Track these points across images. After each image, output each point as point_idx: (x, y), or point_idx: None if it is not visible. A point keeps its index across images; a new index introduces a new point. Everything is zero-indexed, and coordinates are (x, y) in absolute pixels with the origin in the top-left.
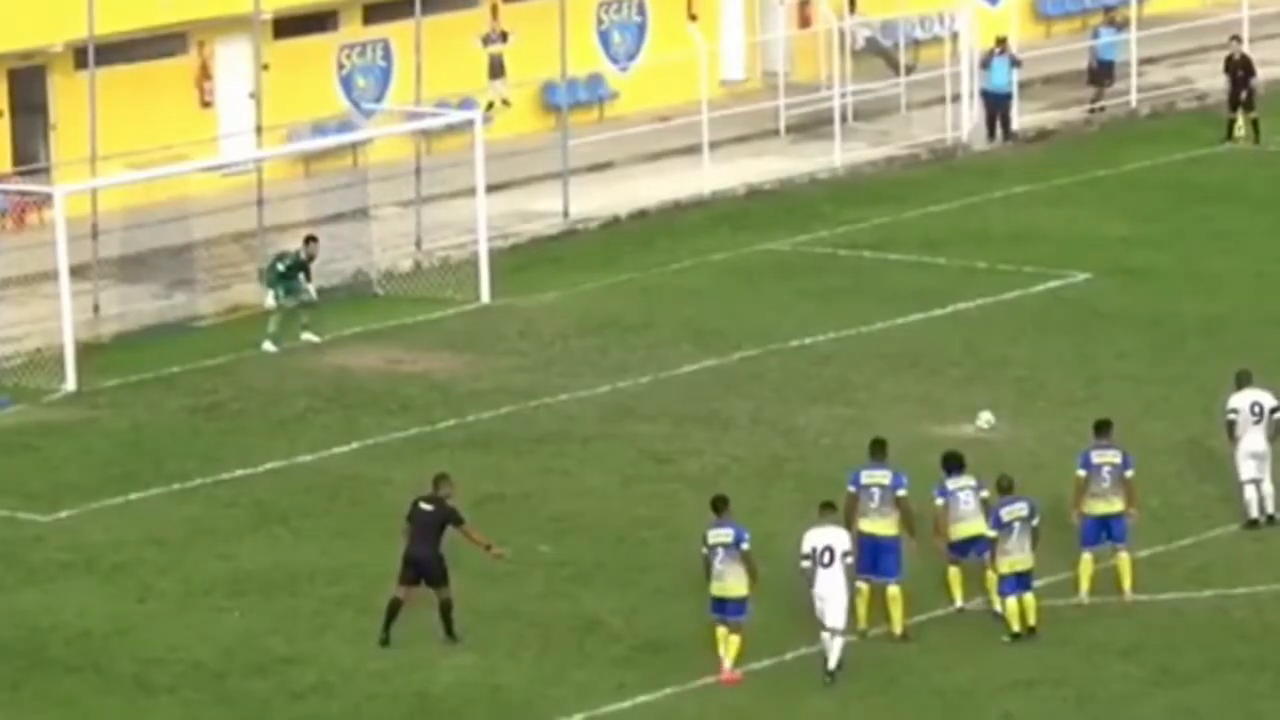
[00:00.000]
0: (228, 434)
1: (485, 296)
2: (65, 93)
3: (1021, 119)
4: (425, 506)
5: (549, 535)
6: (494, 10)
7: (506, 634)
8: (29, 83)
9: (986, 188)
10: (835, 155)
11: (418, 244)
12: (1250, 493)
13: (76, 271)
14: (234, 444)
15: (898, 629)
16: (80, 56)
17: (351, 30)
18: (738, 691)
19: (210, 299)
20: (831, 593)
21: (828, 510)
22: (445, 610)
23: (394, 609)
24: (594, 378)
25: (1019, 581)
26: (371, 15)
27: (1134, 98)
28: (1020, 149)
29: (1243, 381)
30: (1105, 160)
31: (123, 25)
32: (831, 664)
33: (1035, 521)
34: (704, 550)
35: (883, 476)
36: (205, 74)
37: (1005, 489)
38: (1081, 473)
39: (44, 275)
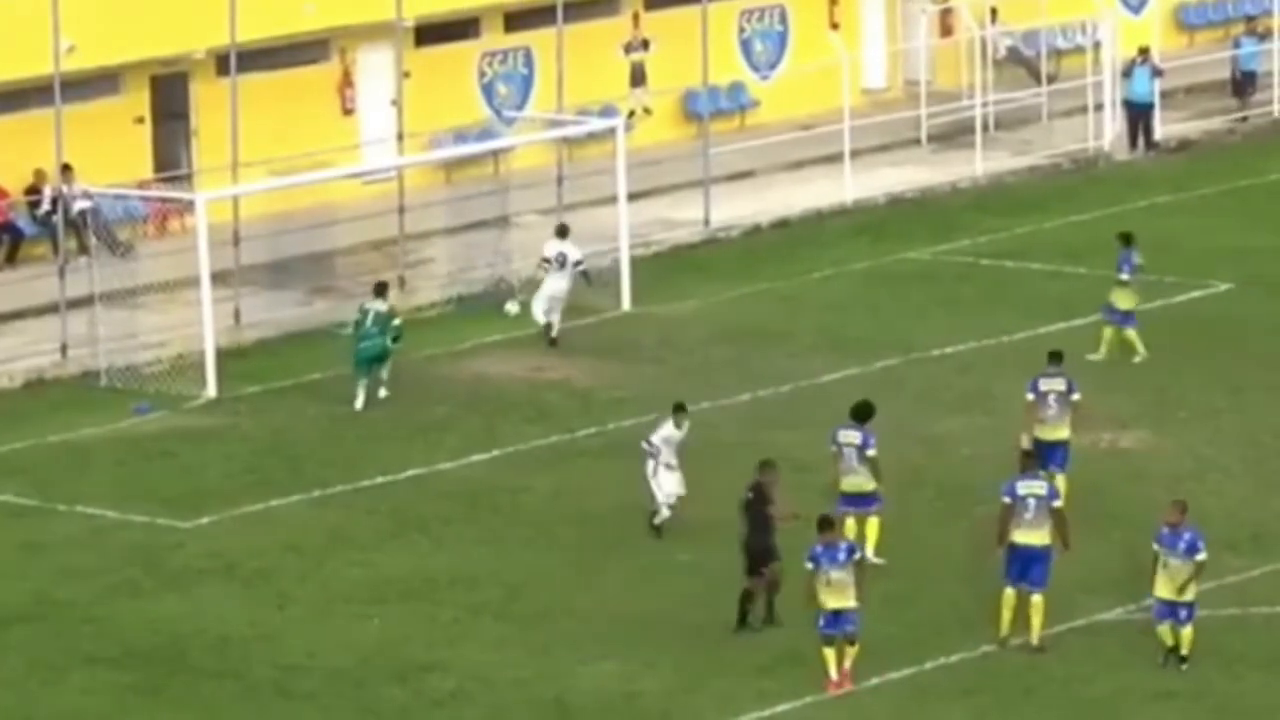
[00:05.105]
0: (368, 441)
1: (626, 304)
2: (207, 99)
3: (1164, 129)
4: (751, 495)
5: (692, 542)
6: (635, 18)
7: (646, 641)
8: (171, 89)
9: (1128, 197)
10: (977, 164)
11: None
12: None
13: (218, 278)
14: (374, 451)
15: (1035, 639)
16: (222, 63)
17: (493, 38)
18: (876, 700)
19: (351, 306)
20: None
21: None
22: (771, 590)
23: (747, 599)
24: (735, 386)
25: (1174, 609)
26: (513, 23)
27: (1277, 108)
28: (1162, 159)
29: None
30: (1248, 170)
31: (265, 32)
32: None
33: (1200, 556)
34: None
35: (1039, 487)
36: (347, 81)
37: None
38: (1030, 397)
39: (186, 281)
